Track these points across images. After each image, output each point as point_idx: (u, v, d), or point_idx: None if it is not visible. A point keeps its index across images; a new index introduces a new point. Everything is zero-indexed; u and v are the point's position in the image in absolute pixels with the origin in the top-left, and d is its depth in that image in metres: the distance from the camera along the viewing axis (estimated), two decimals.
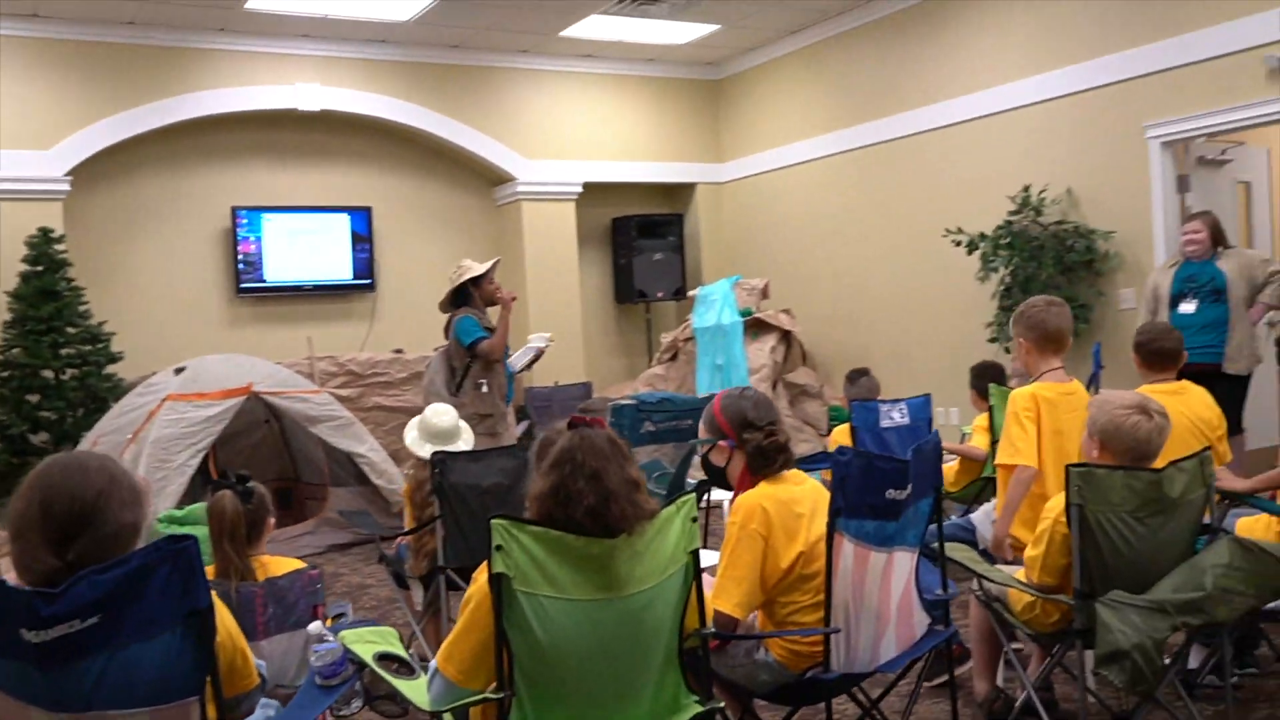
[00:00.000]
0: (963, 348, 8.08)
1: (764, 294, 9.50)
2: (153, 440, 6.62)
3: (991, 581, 3.30)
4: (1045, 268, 7.28)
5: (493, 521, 2.22)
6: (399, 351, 8.88)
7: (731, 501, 3.10)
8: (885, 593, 2.89)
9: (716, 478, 3.13)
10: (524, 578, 2.22)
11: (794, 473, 3.09)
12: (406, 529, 4.74)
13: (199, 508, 4.55)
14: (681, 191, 10.90)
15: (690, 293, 9.91)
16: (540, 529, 2.25)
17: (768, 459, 3.00)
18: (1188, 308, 6.23)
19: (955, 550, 3.37)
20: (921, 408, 5.37)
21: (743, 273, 9.94)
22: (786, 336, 9.22)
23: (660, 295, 10.47)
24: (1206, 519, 3.20)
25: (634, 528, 2.29)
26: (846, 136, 9.29)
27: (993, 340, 7.61)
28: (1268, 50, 6.32)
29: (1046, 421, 3.72)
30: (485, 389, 6.15)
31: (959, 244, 7.72)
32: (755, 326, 9.18)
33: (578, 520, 2.26)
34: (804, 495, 3.00)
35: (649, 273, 10.40)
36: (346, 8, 8.29)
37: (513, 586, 2.22)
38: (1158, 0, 6.87)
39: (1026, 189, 7.50)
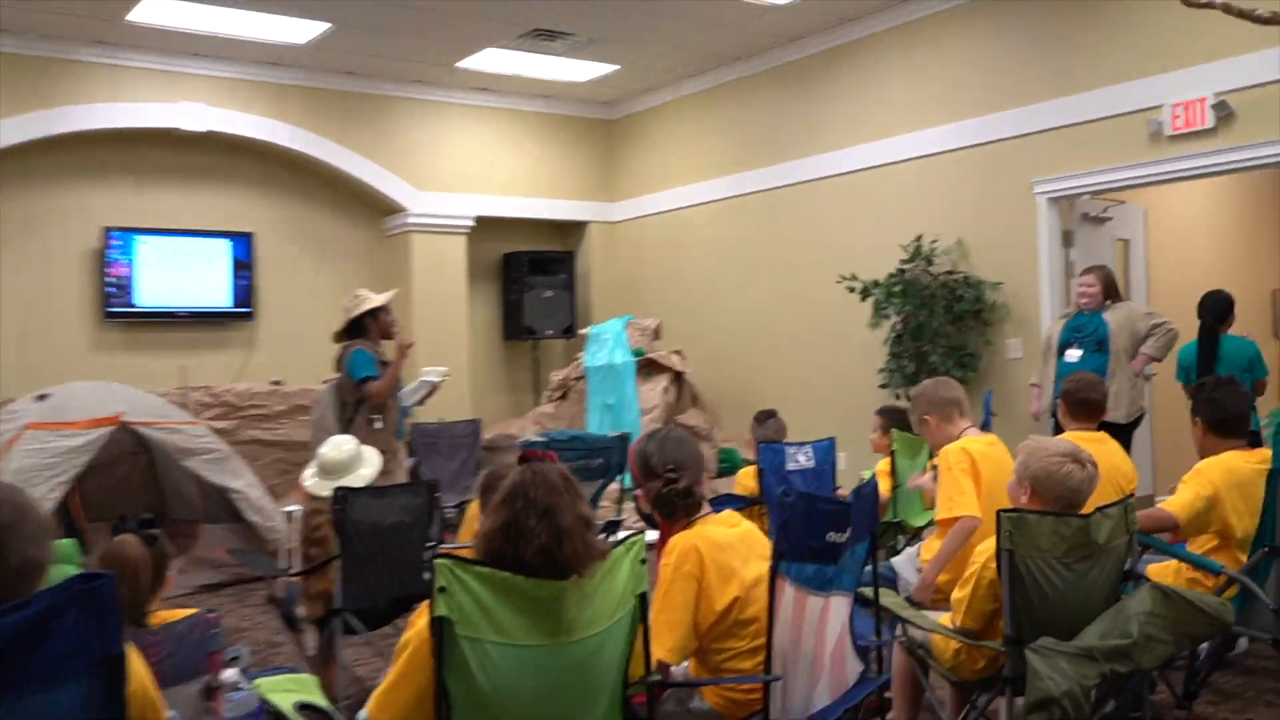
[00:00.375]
0: (854, 393, 8.17)
1: (656, 334, 9.48)
2: (12, 471, 6.19)
3: (918, 627, 3.27)
4: (936, 316, 7.42)
5: (436, 561, 2.09)
6: (278, 383, 8.56)
7: (657, 545, 3.01)
8: (821, 639, 2.83)
9: (650, 520, 3.04)
10: (468, 622, 2.10)
11: (728, 514, 3.03)
12: (297, 568, 4.51)
13: (63, 544, 4.26)
14: (574, 229, 10.86)
15: (581, 331, 9.84)
16: (487, 570, 2.13)
17: (669, 506, 2.93)
18: (1073, 356, 6.43)
19: (881, 595, 3.33)
20: (827, 451, 5.36)
21: (634, 312, 9.91)
22: (678, 378, 9.20)
23: (550, 333, 10.39)
24: (1128, 565, 3.23)
25: (585, 568, 2.19)
26: (741, 181, 9.37)
27: (884, 386, 7.70)
28: (1150, 115, 6.59)
29: (984, 472, 3.77)
30: (379, 425, 5.92)
31: (852, 290, 7.82)
32: (647, 367, 9.14)
33: (528, 560, 2.15)
34: (739, 538, 2.93)
35: (539, 310, 10.31)
36: (238, 28, 8.01)
37: (455, 631, 2.09)
38: (1048, 61, 7.12)
39: (919, 238, 7.65)
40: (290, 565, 6.29)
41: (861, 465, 6.85)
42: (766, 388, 9.01)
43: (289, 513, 7.00)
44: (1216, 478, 3.93)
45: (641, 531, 2.43)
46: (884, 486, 5.53)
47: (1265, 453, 4.10)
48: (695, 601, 2.79)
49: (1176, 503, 3.87)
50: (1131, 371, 6.30)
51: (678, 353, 9.37)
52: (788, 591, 2.70)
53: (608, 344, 9.27)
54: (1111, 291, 6.41)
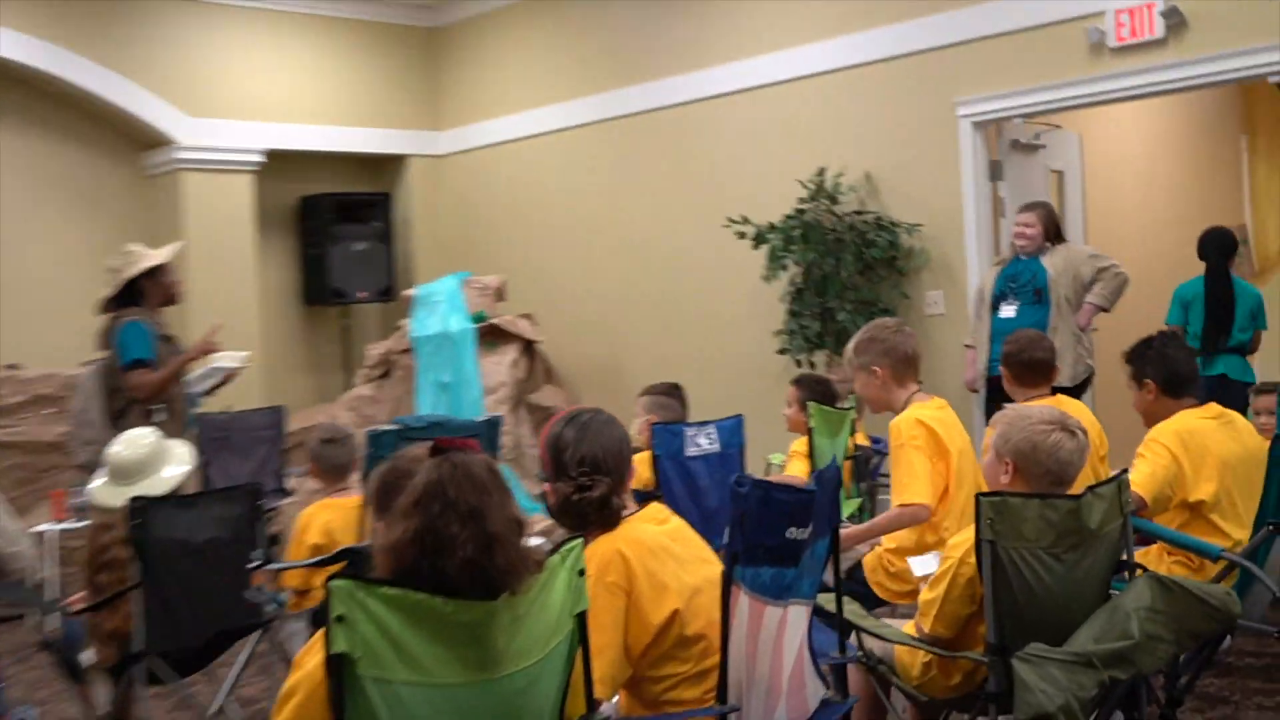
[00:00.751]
0: (745, 361, 8.28)
1: (499, 295, 9.44)
2: None
3: (879, 638, 3.33)
4: (844, 265, 7.54)
5: (332, 583, 2.02)
6: (12, 367, 8.33)
7: None
8: (778, 657, 2.84)
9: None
10: (373, 658, 2.05)
11: (655, 507, 3.03)
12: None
13: None
14: (390, 165, 10.76)
15: (405, 292, 9.73)
16: (397, 591, 2.08)
17: (578, 518, 2.90)
18: (1008, 311, 6.64)
19: (831, 600, 3.38)
20: (733, 431, 5.41)
21: (470, 268, 9.84)
22: (529, 347, 9.18)
23: (362, 296, 10.26)
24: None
25: (519, 583, 2.15)
26: (600, 103, 9.37)
27: (783, 351, 7.81)
28: (1090, 22, 6.81)
29: (948, 440, 3.86)
30: (161, 417, 5.74)
31: (742, 236, 7.89)
32: (491, 335, 9.11)
33: (450, 576, 2.11)
34: (671, 536, 2.93)
35: (348, 267, 10.16)
36: None
37: (357, 671, 2.04)
38: None
39: (820, 173, 7.76)
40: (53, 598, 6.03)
41: (764, 447, 6.93)
42: (637, 358, 9.06)
43: (39, 534, 6.73)
44: (1173, 444, 4.14)
45: (577, 536, 2.40)
46: (800, 470, 5.62)
47: (1218, 407, 4.35)
48: (625, 619, 2.77)
49: (1136, 479, 4.05)
50: (1075, 325, 6.53)
51: (527, 317, 9.34)
52: (743, 602, 2.70)
53: (439, 308, 9.19)
54: (1053, 233, 6.64)
